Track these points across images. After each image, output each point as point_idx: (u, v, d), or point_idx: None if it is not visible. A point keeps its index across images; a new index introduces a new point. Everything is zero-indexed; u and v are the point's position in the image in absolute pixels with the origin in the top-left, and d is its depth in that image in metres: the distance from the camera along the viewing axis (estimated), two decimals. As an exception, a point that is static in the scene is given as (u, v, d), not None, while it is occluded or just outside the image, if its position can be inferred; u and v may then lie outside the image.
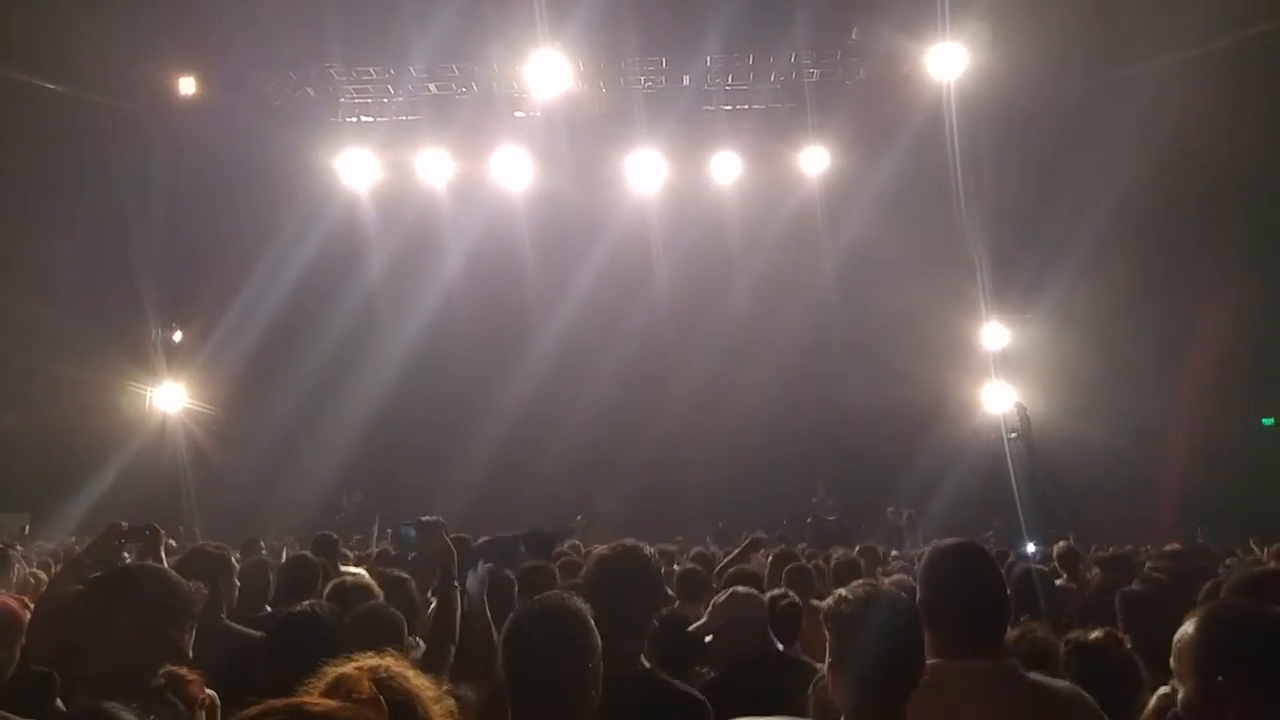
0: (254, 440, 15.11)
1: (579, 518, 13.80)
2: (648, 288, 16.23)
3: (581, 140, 16.17)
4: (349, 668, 1.66)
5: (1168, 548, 7.72)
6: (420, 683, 1.83)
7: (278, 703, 1.41)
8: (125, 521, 4.51)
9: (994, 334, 16.12)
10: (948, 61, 14.35)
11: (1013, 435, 15.83)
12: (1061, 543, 7.52)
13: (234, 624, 4.07)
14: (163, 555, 4.26)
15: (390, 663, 1.80)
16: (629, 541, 2.91)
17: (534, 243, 16.09)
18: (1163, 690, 2.66)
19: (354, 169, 16.10)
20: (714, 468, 15.07)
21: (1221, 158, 16.34)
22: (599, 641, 2.27)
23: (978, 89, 14.48)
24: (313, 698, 1.49)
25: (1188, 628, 1.90)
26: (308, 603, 3.29)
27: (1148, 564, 6.24)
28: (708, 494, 15.05)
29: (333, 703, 1.46)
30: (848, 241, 16.29)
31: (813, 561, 6.01)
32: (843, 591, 2.16)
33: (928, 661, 2.18)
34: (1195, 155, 16.43)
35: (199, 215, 15.15)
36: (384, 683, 1.65)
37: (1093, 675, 2.83)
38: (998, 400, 16.22)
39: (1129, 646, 3.21)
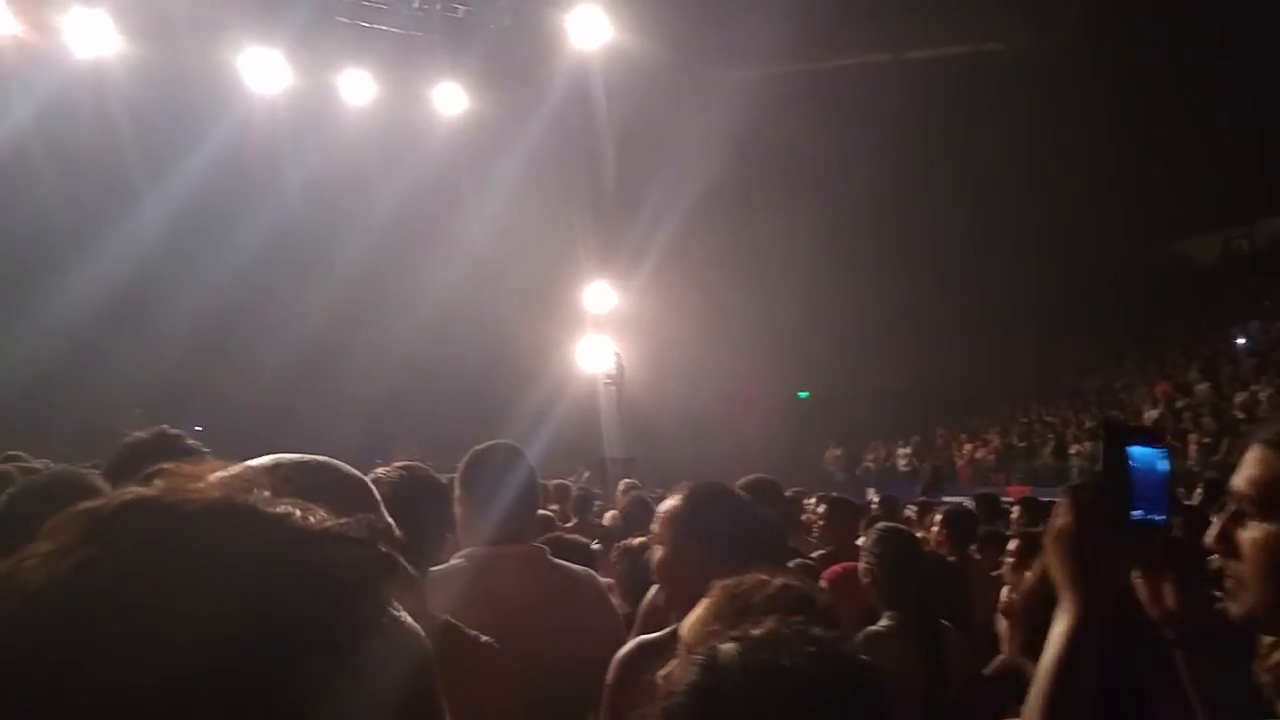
0: None
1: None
2: (270, 196, 14.81)
3: (190, 21, 14.02)
4: None
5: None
6: None
7: None
8: None
9: (600, 295, 17.09)
10: (588, 27, 14.98)
11: (608, 383, 17.22)
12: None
13: None
14: None
15: None
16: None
17: (131, 124, 13.77)
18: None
19: None
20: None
21: (786, 161, 19.53)
22: None
23: (612, 58, 15.37)
24: None
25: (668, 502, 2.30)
26: None
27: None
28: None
29: None
30: (474, 189, 16.36)
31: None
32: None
33: (468, 549, 2.51)
34: (767, 157, 19.42)
35: None
36: None
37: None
38: (597, 354, 17.33)
39: None
